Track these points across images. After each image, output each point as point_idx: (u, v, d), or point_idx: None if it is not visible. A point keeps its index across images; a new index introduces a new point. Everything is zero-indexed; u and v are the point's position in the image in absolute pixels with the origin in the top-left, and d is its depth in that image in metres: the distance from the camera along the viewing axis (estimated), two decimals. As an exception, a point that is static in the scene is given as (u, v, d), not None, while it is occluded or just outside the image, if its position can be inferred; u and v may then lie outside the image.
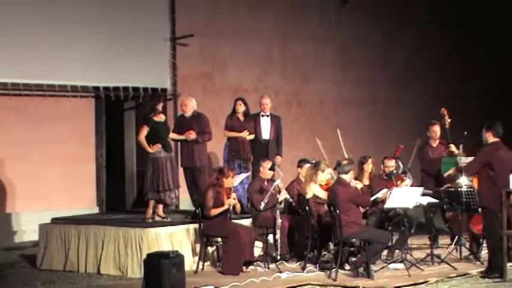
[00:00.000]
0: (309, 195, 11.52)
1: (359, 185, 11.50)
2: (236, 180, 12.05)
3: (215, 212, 11.13)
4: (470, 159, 11.23)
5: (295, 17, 17.43)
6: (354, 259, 10.80)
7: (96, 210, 14.72)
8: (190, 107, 12.65)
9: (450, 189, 11.69)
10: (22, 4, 13.83)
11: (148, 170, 12.00)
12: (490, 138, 10.54)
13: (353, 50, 18.26)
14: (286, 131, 14.54)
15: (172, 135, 12.54)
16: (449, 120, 12.77)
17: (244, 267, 11.13)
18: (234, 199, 11.24)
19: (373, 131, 18.30)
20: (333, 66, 18.07)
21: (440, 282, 10.35)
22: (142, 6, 15.06)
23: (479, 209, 10.96)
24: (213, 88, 16.20)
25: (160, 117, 12.15)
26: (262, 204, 11.58)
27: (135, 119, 15.43)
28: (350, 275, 10.70)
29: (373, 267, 10.71)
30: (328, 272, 10.73)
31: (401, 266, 10.97)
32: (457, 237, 11.77)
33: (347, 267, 10.94)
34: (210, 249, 11.62)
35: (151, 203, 12.02)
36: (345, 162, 11.06)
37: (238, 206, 11.40)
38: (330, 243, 11.54)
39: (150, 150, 11.97)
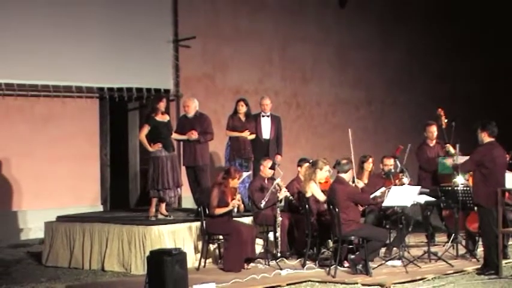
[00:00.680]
0: (308, 194, 11.45)
1: (360, 184, 11.45)
2: (237, 179, 12.01)
3: (219, 211, 11.07)
4: (466, 158, 11.17)
5: (295, 20, 17.41)
6: (352, 256, 10.73)
7: (100, 208, 14.68)
8: (192, 107, 12.59)
9: (446, 188, 11.63)
10: (28, 7, 13.77)
11: (150, 169, 11.96)
12: (486, 138, 10.50)
13: (350, 52, 18.24)
14: (285, 131, 14.56)
15: (174, 135, 12.48)
16: (445, 121, 12.74)
17: (245, 264, 11.06)
18: (239, 200, 11.18)
19: (370, 131, 18.31)
20: (331, 68, 18.05)
21: (437, 279, 10.30)
22: (146, 9, 15.05)
23: (475, 207, 10.91)
24: (215, 89, 16.17)
25: (163, 117, 12.08)
26: (263, 203, 11.56)
27: (139, 119, 15.38)
28: (349, 271, 10.64)
29: (372, 264, 10.67)
30: (328, 268, 10.69)
31: (399, 263, 10.91)
32: (453, 235, 11.75)
33: (346, 264, 10.87)
34: (212, 247, 11.57)
35: (154, 201, 11.96)
36: (344, 161, 10.99)
37: (242, 207, 11.40)
38: (329, 240, 11.50)
39: (150, 149, 11.92)
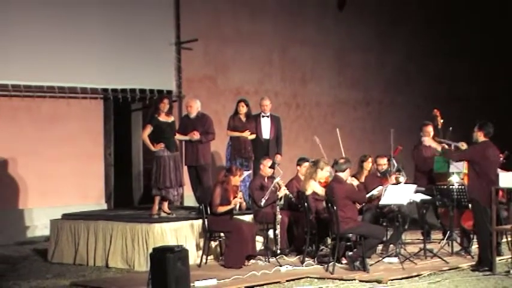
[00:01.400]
0: (308, 192, 11.48)
1: (355, 182, 11.48)
2: (238, 178, 12.02)
3: (222, 209, 11.10)
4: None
5: (294, 23, 17.41)
6: (350, 253, 10.77)
7: (104, 206, 14.68)
8: (195, 108, 12.60)
9: (442, 186, 11.66)
10: (35, 9, 13.79)
11: (153, 168, 11.98)
12: (481, 137, 10.53)
13: (349, 54, 18.24)
14: (285, 131, 14.58)
15: (176, 135, 12.48)
16: (441, 121, 12.75)
17: (245, 261, 11.09)
18: (240, 198, 11.21)
19: (367, 131, 18.30)
20: (330, 69, 18.04)
21: (433, 275, 10.33)
22: (149, 12, 15.05)
23: (470, 205, 10.94)
24: (216, 90, 16.17)
25: (168, 118, 12.10)
26: (263, 201, 11.57)
27: (142, 120, 15.38)
28: (347, 268, 10.67)
29: (369, 261, 10.70)
30: (326, 265, 10.70)
31: (395, 259, 10.95)
32: (448, 232, 11.77)
33: (344, 261, 10.90)
34: (213, 244, 11.59)
35: (157, 199, 11.99)
36: (341, 160, 11.05)
37: (244, 205, 11.41)
38: (328, 238, 11.50)
39: (152, 148, 11.94)
